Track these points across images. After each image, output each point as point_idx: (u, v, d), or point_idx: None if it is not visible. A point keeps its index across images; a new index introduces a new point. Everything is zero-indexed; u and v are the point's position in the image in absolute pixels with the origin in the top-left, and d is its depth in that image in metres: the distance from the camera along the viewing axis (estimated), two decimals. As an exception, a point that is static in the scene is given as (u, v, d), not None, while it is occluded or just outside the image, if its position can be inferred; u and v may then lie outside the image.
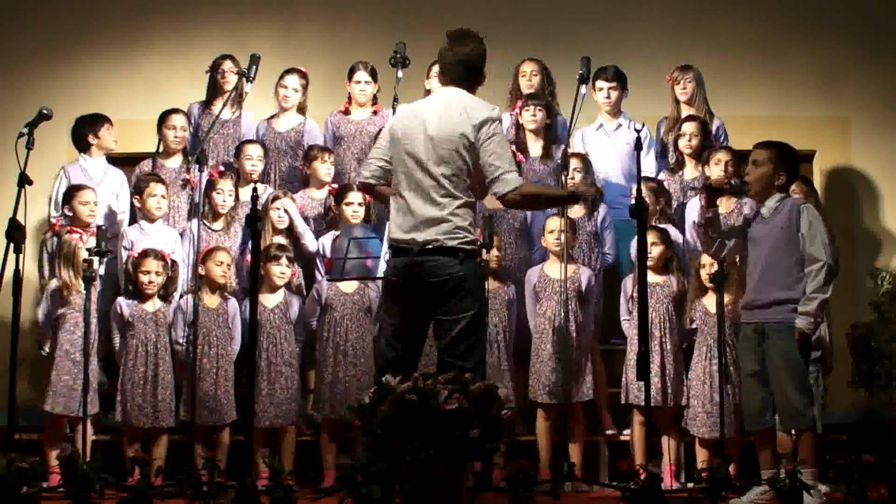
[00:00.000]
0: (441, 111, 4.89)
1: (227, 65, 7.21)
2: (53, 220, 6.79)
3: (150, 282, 6.35)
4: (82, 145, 7.05)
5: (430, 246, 4.79)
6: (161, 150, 7.08)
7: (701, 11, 8.07)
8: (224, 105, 6.96)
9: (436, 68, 6.98)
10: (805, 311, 5.16)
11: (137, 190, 6.78)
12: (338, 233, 6.47)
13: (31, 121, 5.54)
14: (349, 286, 6.35)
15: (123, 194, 7.04)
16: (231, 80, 7.17)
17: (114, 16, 8.16)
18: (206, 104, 7.26)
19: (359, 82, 7.20)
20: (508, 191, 4.79)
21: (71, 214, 6.56)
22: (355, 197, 6.58)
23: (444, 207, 4.81)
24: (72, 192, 6.64)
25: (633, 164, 5.60)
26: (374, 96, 7.26)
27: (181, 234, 6.78)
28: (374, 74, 7.21)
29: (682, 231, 6.73)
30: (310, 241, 6.72)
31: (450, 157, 4.82)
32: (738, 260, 5.73)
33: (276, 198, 6.70)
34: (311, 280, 6.69)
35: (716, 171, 6.55)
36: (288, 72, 7.24)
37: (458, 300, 4.80)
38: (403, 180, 4.91)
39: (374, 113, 7.22)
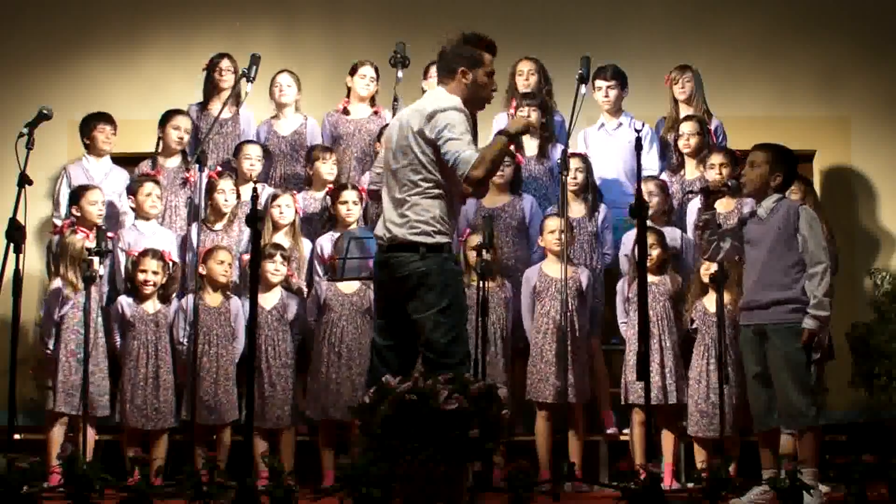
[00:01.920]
0: (409, 110, 4.96)
1: (225, 63, 7.23)
2: (58, 223, 6.80)
3: (146, 281, 6.34)
4: (84, 144, 7.07)
5: (394, 242, 4.84)
6: (160, 149, 7.08)
7: (701, 11, 8.07)
8: (224, 105, 6.96)
9: (433, 69, 7.03)
10: (818, 315, 5.16)
11: (131, 190, 6.79)
12: (337, 234, 6.48)
13: (31, 121, 5.54)
14: (349, 287, 6.34)
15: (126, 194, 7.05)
16: (228, 79, 7.20)
17: (114, 16, 8.16)
18: (203, 105, 7.27)
19: (363, 77, 7.21)
20: (464, 172, 4.69)
21: (79, 215, 6.56)
22: (349, 196, 6.59)
23: (404, 203, 4.84)
24: (79, 192, 6.64)
25: (634, 163, 5.59)
26: (373, 98, 7.27)
27: (182, 237, 6.78)
28: (377, 72, 7.22)
29: (684, 231, 6.72)
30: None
31: (406, 152, 4.85)
32: (738, 261, 5.72)
33: (276, 196, 6.70)
34: (313, 281, 6.70)
35: (711, 173, 6.55)
36: (279, 72, 7.27)
37: (421, 296, 4.79)
38: (384, 177, 5.02)
39: (375, 113, 7.23)
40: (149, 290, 6.36)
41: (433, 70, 6.99)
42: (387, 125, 6.78)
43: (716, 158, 6.61)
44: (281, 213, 6.65)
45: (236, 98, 7.13)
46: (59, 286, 6.31)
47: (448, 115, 4.78)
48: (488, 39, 5.00)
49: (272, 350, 6.32)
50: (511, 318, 6.45)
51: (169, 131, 7.02)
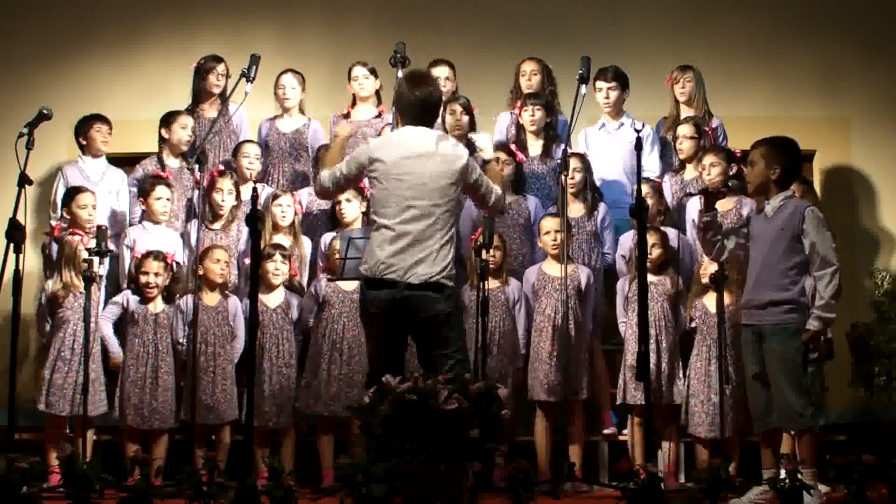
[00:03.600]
0: (435, 150, 5.11)
1: (220, 68, 7.23)
2: (53, 224, 6.79)
3: (148, 283, 6.34)
4: (79, 145, 7.06)
5: (420, 281, 4.96)
6: (164, 148, 7.06)
7: (701, 11, 8.07)
8: (221, 109, 6.96)
9: (435, 70, 7.02)
10: (823, 317, 5.15)
11: (142, 192, 6.78)
12: (333, 234, 6.49)
13: (31, 121, 5.54)
14: (349, 284, 6.34)
15: (123, 193, 7.04)
16: (221, 83, 7.18)
17: (114, 16, 8.16)
18: (193, 107, 7.24)
19: (356, 77, 7.22)
20: (501, 206, 5.42)
21: (70, 217, 6.56)
22: (345, 195, 6.58)
23: (439, 243, 5.04)
24: (70, 194, 6.63)
25: (635, 163, 5.61)
26: (378, 94, 7.26)
27: (181, 236, 6.78)
28: (373, 71, 7.23)
29: (682, 231, 6.72)
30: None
31: (445, 194, 5.07)
32: (745, 259, 5.71)
33: (276, 196, 6.70)
34: (313, 278, 6.69)
35: (710, 173, 6.52)
36: (283, 72, 7.26)
37: (445, 335, 5.03)
38: (394, 211, 5.06)
39: (378, 115, 7.22)
40: (152, 292, 6.36)
41: (434, 71, 7.00)
42: (388, 125, 6.79)
43: (707, 159, 6.59)
44: (283, 213, 6.65)
45: (225, 97, 7.12)
46: (53, 290, 6.30)
47: (472, 160, 5.27)
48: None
49: (275, 349, 6.32)
50: (520, 318, 6.44)
51: (177, 130, 6.99)
